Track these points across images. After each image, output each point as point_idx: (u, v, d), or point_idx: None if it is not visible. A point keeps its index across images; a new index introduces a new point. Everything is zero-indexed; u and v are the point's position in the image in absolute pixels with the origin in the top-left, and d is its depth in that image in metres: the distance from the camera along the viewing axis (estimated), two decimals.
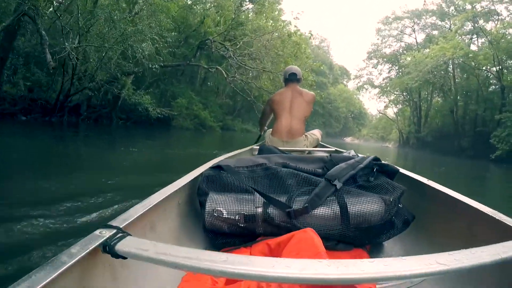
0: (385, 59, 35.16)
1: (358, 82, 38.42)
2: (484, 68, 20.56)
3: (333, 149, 2.74)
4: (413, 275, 0.49)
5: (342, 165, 1.15)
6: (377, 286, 0.82)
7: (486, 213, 0.84)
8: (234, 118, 28.45)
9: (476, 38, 24.64)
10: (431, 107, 30.68)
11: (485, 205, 0.90)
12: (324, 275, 0.46)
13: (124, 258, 0.56)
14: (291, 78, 2.88)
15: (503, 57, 19.36)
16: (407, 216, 1.12)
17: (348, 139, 56.95)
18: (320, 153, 2.57)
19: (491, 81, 22.97)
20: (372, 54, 36.11)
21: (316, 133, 3.03)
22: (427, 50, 26.97)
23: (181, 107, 16.65)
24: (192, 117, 17.70)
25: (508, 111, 18.44)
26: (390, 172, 1.21)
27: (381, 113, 42.21)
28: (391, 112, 40.08)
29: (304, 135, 2.81)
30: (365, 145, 39.19)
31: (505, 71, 19.79)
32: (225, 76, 13.32)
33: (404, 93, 32.19)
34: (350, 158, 1.26)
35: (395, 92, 33.99)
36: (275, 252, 0.90)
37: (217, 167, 1.19)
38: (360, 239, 1.06)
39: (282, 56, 13.98)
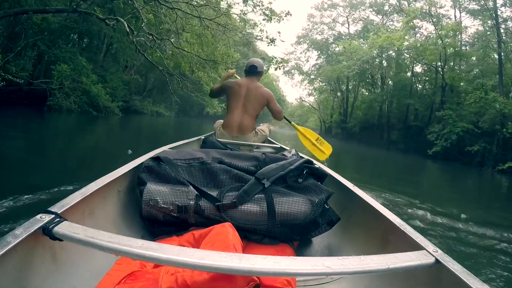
0: (314, 45, 33.18)
1: (285, 67, 35.61)
2: (429, 63, 19.73)
3: (279, 145, 2.81)
4: (299, 273, 0.56)
5: (273, 165, 1.20)
6: (297, 280, 0.90)
7: (395, 224, 0.93)
8: (143, 98, 22.09)
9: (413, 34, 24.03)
10: (357, 98, 30.22)
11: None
12: (218, 265, 0.54)
13: (60, 240, 0.63)
14: (251, 71, 2.78)
15: (452, 55, 18.76)
16: (332, 217, 1.18)
17: (264, 126, 54.93)
18: (264, 148, 2.73)
19: (425, 77, 22.73)
20: (301, 39, 33.64)
21: (265, 129, 2.97)
22: (361, 40, 25.86)
23: (61, 77, 10.09)
24: (79, 94, 11.34)
25: (449, 109, 17.91)
26: (320, 175, 1.27)
27: (303, 100, 41.19)
28: (311, 101, 39.43)
29: (254, 131, 2.78)
30: (282, 132, 37.96)
31: (446, 68, 19.28)
32: (127, 31, 7.77)
33: (332, 82, 30.95)
34: (283, 158, 1.32)
35: (321, 81, 32.75)
36: (197, 242, 0.96)
37: (156, 158, 1.22)
38: (286, 235, 1.13)
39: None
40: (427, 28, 23.45)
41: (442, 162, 16.50)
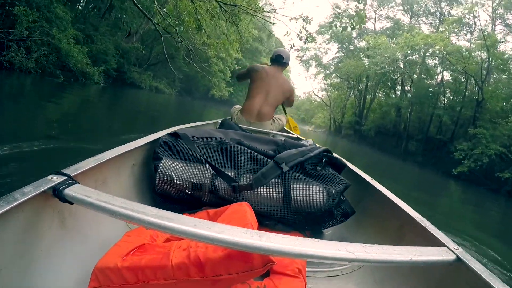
0: (336, 38, 30.66)
1: (303, 56, 33.24)
2: (470, 72, 17.54)
3: (295, 135, 2.76)
4: (321, 256, 0.53)
5: (293, 150, 1.17)
6: (307, 268, 0.90)
7: (414, 218, 0.91)
8: (143, 71, 19.91)
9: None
10: (374, 101, 28.16)
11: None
12: (238, 241, 0.51)
13: (71, 203, 0.60)
14: (278, 60, 2.72)
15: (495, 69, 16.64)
16: (347, 209, 1.15)
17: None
18: (281, 137, 2.47)
19: (457, 87, 20.58)
20: (323, 29, 30.86)
21: (282, 118, 2.92)
22: (387, 38, 23.70)
23: (21, 24, 7.45)
24: (44, 50, 8.38)
25: (482, 127, 15.94)
26: (338, 165, 1.24)
27: (316, 95, 39.07)
28: (321, 96, 37.31)
29: (272, 119, 2.74)
30: None
31: (485, 85, 17.15)
32: None
33: (350, 80, 28.78)
34: (302, 145, 1.28)
35: (339, 76, 30.59)
36: (212, 220, 0.86)
37: (174, 134, 1.20)
38: (299, 223, 1.11)
39: None
40: (464, 36, 21.50)
41: (465, 184, 14.74)
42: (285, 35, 8.35)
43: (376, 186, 1.21)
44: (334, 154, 1.31)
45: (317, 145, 1.53)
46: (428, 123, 21.50)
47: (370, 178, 1.31)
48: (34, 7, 7.99)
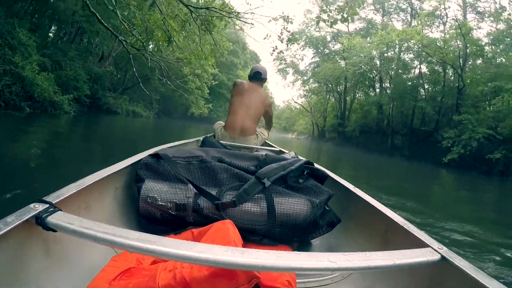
0: (311, 43, 30.97)
1: (279, 64, 33.27)
2: (448, 62, 17.86)
3: (278, 149, 2.81)
4: (303, 268, 0.54)
5: (274, 165, 1.17)
6: (298, 281, 0.85)
7: (397, 222, 0.91)
8: (118, 96, 19.04)
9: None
10: (354, 101, 28.32)
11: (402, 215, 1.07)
12: (219, 259, 0.51)
13: (54, 231, 0.59)
14: (256, 77, 2.78)
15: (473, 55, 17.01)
16: (333, 219, 1.16)
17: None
18: (264, 151, 2.55)
19: (436, 78, 20.94)
20: (297, 35, 31.27)
21: (264, 132, 2.94)
22: (358, 38, 23.99)
23: None
24: (6, 81, 7.43)
25: (466, 113, 16.11)
26: (320, 177, 1.26)
27: (296, 102, 39.10)
28: (301, 103, 37.36)
29: (255, 134, 2.75)
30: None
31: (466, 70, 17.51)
32: None
33: (328, 83, 28.89)
34: (283, 159, 1.28)
35: (317, 81, 30.71)
36: (196, 240, 0.91)
37: (155, 155, 1.19)
38: (286, 236, 1.09)
39: None
40: (436, 28, 22.17)
41: (455, 170, 14.76)
42: (265, 38, 8.00)
43: (358, 194, 1.22)
44: (316, 165, 1.34)
45: (300, 157, 1.56)
46: (411, 116, 21.69)
47: (353, 186, 1.33)
48: None
